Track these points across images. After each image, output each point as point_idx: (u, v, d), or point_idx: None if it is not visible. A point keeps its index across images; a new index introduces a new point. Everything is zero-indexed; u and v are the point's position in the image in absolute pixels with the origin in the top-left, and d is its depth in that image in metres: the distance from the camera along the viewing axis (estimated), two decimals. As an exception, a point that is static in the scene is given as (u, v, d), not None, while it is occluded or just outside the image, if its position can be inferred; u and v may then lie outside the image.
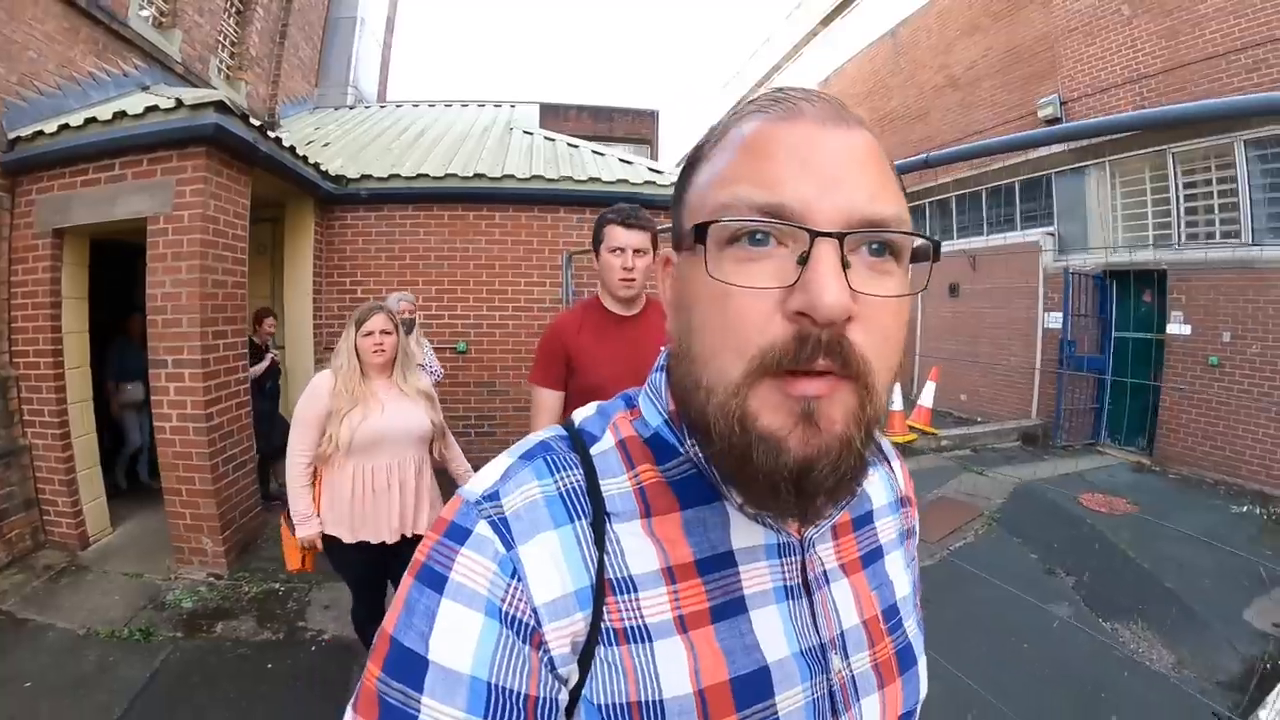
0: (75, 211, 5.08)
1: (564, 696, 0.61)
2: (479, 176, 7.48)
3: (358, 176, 7.37)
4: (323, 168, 6.97)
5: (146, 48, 6.90)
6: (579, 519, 0.64)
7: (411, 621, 0.58)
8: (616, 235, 2.73)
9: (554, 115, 21.87)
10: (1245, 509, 7.29)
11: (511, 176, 7.54)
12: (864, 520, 0.82)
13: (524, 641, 0.58)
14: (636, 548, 0.65)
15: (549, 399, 2.79)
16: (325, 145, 8.77)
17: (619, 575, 0.64)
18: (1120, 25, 10.01)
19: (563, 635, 0.60)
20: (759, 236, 0.57)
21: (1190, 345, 8.91)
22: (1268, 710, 3.55)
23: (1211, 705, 3.69)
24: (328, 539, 3.22)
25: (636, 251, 2.72)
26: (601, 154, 8.99)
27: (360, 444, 3.14)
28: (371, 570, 3.31)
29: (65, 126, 5.02)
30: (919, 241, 0.61)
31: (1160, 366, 9.36)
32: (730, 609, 0.66)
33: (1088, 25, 10.57)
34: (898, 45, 15.39)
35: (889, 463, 0.92)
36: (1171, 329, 9.17)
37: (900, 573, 0.84)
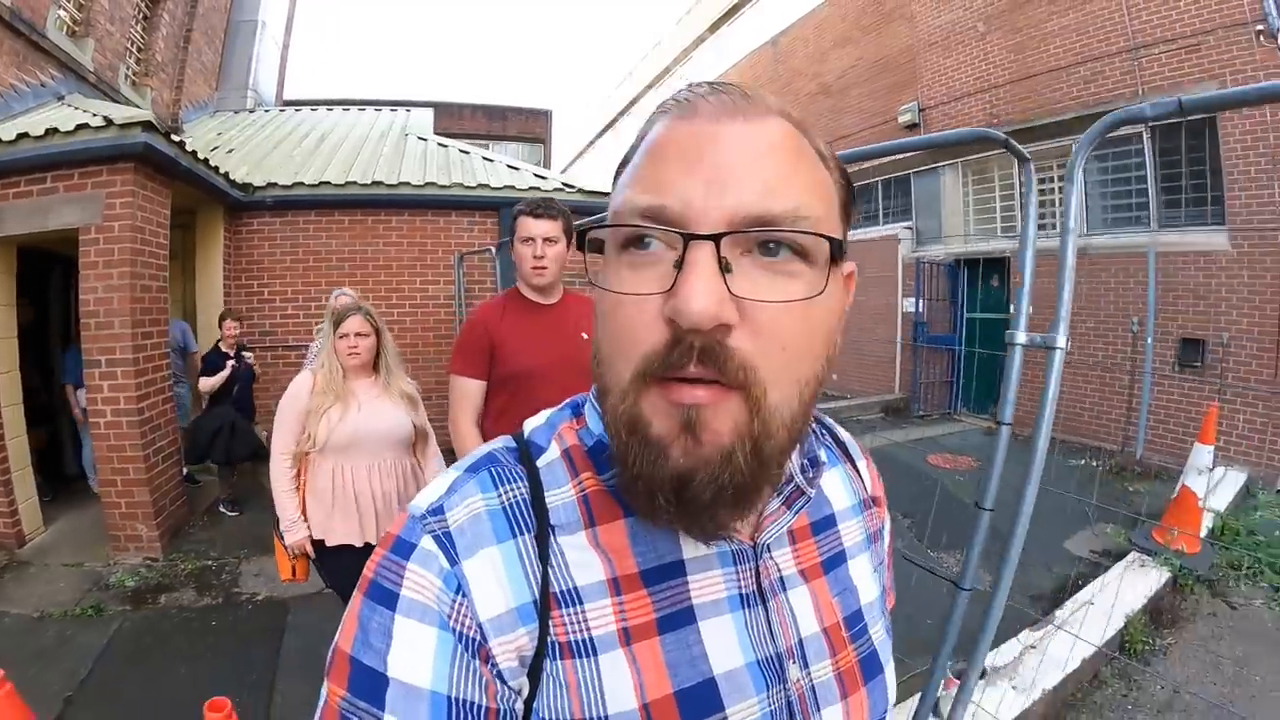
0: (8, 223, 5.39)
1: (520, 707, 0.60)
2: (377, 184, 8.02)
3: (264, 184, 7.78)
4: (231, 176, 7.34)
5: (62, 58, 7.17)
6: (521, 533, 0.63)
7: (368, 640, 0.58)
8: (527, 225, 2.82)
9: (449, 114, 22.14)
10: (1081, 462, 8.27)
11: (407, 183, 8.11)
12: (825, 524, 0.80)
13: (474, 656, 0.58)
14: (582, 560, 0.64)
15: (471, 388, 2.85)
16: (230, 152, 9.10)
17: (564, 588, 0.63)
18: (975, 41, 11.11)
19: (508, 650, 0.59)
20: (645, 241, 0.56)
21: (1032, 323, 9.84)
22: (1064, 610, 4.31)
23: (1021, 609, 4.23)
24: (317, 547, 3.23)
25: (547, 240, 2.80)
26: (490, 160, 9.62)
27: (336, 443, 3.15)
28: (356, 573, 3.41)
29: (-1, 140, 5.32)
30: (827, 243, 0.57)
31: (999, 335, 10.38)
32: (677, 620, 0.65)
33: (946, 40, 11.65)
34: (778, 53, 16.31)
35: (853, 463, 0.90)
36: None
37: (866, 577, 0.82)
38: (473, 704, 0.57)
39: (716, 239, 0.53)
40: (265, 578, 5.09)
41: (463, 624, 0.58)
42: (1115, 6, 9.21)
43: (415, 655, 0.57)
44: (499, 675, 0.59)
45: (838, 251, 0.58)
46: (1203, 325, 8.44)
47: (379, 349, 3.33)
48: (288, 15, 16.25)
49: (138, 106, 8.39)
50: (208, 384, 6.32)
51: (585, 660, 0.61)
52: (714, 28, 19.80)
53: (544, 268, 2.81)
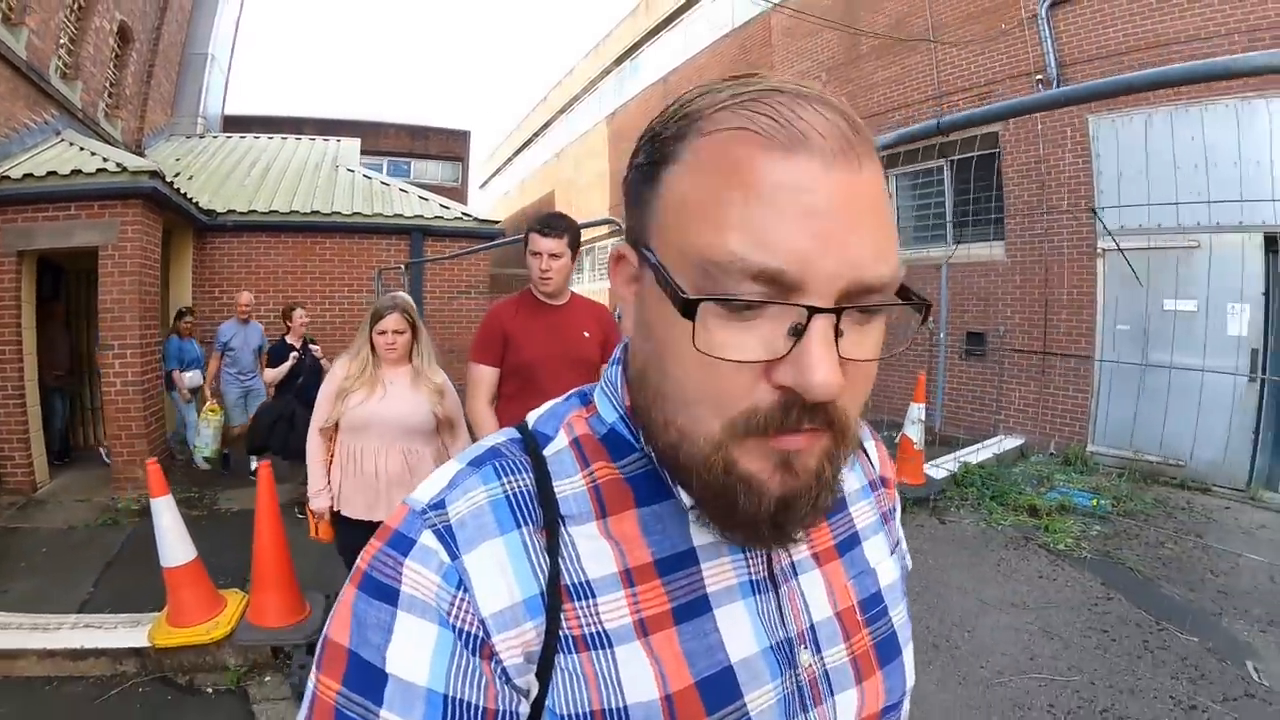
0: (39, 239, 7.15)
1: (524, 709, 0.59)
2: (316, 212, 10.13)
3: (225, 210, 9.67)
4: (200, 204, 9.19)
5: (59, 99, 8.68)
6: (526, 525, 0.62)
7: (365, 635, 0.56)
8: (535, 242, 3.14)
9: (375, 133, 23.55)
10: (888, 434, 10.18)
11: (339, 212, 10.22)
12: (837, 507, 0.79)
13: (474, 654, 0.56)
14: (592, 550, 0.63)
15: (486, 374, 3.22)
16: (190, 178, 10.87)
17: (575, 580, 0.61)
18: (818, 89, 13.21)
19: (514, 646, 0.58)
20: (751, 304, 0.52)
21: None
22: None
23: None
24: (335, 514, 3.46)
25: (552, 255, 3.13)
26: (405, 191, 11.73)
27: (350, 423, 3.37)
28: (363, 545, 3.99)
29: (29, 175, 6.99)
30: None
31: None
32: (693, 609, 0.64)
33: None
34: (668, 90, 18.22)
35: (861, 444, 0.89)
36: None
37: (883, 559, 0.81)
38: (470, 704, 0.55)
39: (838, 311, 0.51)
40: (237, 500, 6.97)
41: (464, 620, 0.56)
42: (927, 62, 11.32)
43: (414, 652, 0.55)
44: (503, 673, 0.57)
45: (927, 315, 0.59)
46: (984, 321, 10.30)
47: (414, 342, 3.52)
48: (231, 46, 17.46)
49: (115, 137, 10.22)
50: (271, 374, 6.80)
51: (602, 652, 0.60)
52: (618, 61, 21.63)
53: (549, 278, 3.15)
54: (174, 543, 4.02)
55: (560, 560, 0.61)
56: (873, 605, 0.77)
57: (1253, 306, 7.69)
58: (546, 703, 0.59)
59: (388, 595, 0.57)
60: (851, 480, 0.84)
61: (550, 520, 0.63)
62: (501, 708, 0.57)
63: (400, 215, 10.55)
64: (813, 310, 0.50)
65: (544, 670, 0.59)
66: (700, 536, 0.66)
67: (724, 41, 16.38)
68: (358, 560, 0.62)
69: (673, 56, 18.60)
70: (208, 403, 7.75)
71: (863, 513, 0.82)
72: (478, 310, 10.84)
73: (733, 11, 16.10)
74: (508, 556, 0.60)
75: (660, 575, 0.64)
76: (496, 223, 11.68)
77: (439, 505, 0.61)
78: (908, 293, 0.57)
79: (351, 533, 3.40)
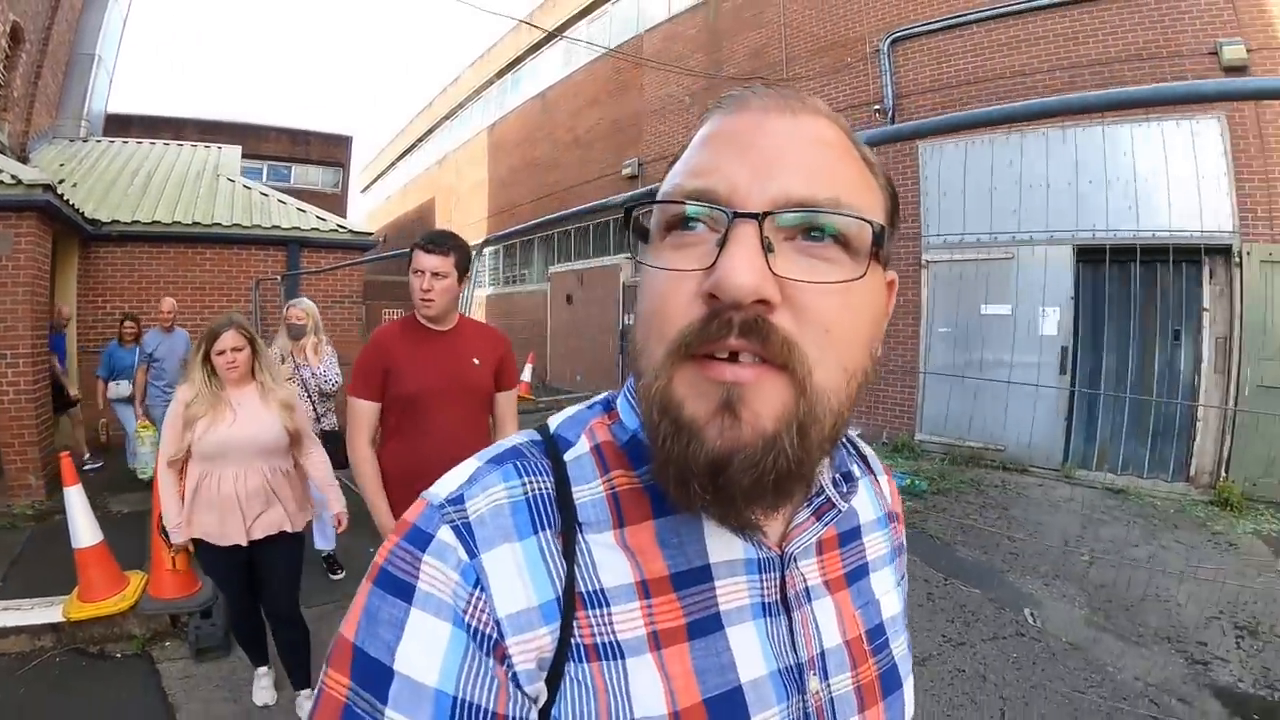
0: (-69, 249, 7.35)
1: (534, 717, 0.58)
2: (196, 223, 10.44)
3: (109, 220, 9.91)
4: (86, 214, 9.44)
5: None
6: (545, 528, 0.61)
7: (376, 630, 0.55)
8: (418, 259, 2.89)
9: (256, 136, 23.54)
10: None
11: (219, 224, 10.57)
12: (851, 536, 0.79)
13: (488, 655, 0.55)
14: (609, 560, 0.62)
15: (365, 409, 2.94)
16: (74, 186, 10.99)
17: (590, 588, 0.61)
18: (682, 110, 14.39)
19: (527, 650, 0.56)
20: (690, 223, 0.57)
21: None
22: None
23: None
24: (195, 542, 3.35)
25: (435, 274, 2.86)
26: (284, 202, 12.08)
27: (205, 452, 3.23)
28: (232, 571, 3.39)
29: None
30: (869, 230, 0.57)
31: None
32: (706, 626, 0.63)
33: (662, 109, 14.92)
34: (545, 105, 19.16)
35: (875, 477, 0.90)
36: None
37: (889, 591, 0.82)
38: (480, 707, 0.54)
39: (760, 218, 0.53)
40: (128, 504, 7.31)
41: (479, 620, 0.55)
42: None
43: (425, 651, 0.54)
44: (514, 678, 0.56)
45: (880, 239, 0.58)
46: None
47: (255, 358, 3.40)
48: (118, 45, 16.95)
49: (1, 141, 10.25)
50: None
51: (613, 663, 0.59)
52: (501, 73, 22.27)
53: (431, 300, 2.89)
54: (84, 527, 4.59)
55: (576, 567, 0.60)
56: (877, 636, 0.77)
57: (1062, 309, 8.95)
58: (554, 712, 0.58)
59: (403, 591, 0.56)
60: (869, 509, 0.84)
61: (568, 526, 0.62)
62: (511, 713, 0.56)
63: (278, 226, 10.96)
64: (733, 215, 0.53)
65: (554, 678, 0.58)
66: (717, 553, 0.65)
67: (599, 63, 17.26)
68: (376, 555, 0.61)
69: (552, 73, 19.40)
70: (138, 420, 7.87)
71: (876, 544, 0.83)
72: (350, 321, 11.31)
73: (609, 34, 17.01)
74: (525, 559, 0.59)
75: (675, 589, 0.63)
76: (370, 234, 12.15)
77: (458, 500, 0.60)
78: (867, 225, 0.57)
79: (213, 552, 3.35)
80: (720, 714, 0.60)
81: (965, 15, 9.95)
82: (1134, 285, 8.63)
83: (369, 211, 36.17)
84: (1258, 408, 7.90)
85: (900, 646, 0.80)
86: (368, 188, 36.54)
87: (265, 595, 3.49)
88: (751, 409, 0.53)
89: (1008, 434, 9.31)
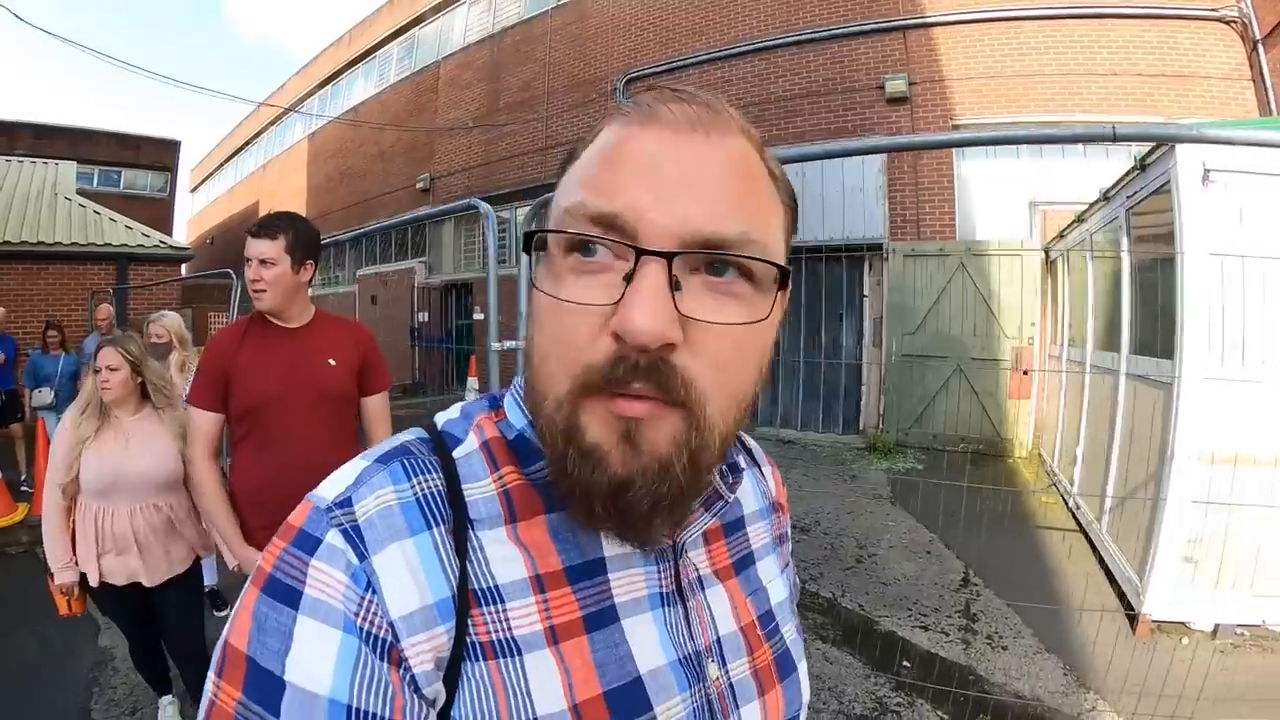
0: None
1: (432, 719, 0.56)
2: (40, 242, 12.09)
3: (-39, 241, 11.44)
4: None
5: None
6: (437, 525, 0.60)
7: (265, 640, 0.53)
8: (246, 245, 2.57)
9: (88, 141, 24.20)
10: None
11: (60, 242, 12.27)
12: (735, 526, 0.81)
13: (382, 659, 0.53)
14: (502, 555, 0.61)
15: (205, 421, 2.61)
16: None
17: (483, 585, 0.60)
18: (465, 134, 16.63)
19: (424, 651, 0.55)
20: (591, 247, 0.55)
21: (484, 325, 13.77)
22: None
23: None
24: (86, 583, 3.02)
25: (263, 261, 2.53)
26: (115, 220, 13.81)
27: (94, 486, 2.94)
28: (132, 609, 3.13)
29: None
30: (775, 269, 0.58)
31: (472, 338, 16.04)
32: (603, 618, 0.63)
33: (450, 130, 17.06)
34: (358, 118, 20.58)
35: (759, 468, 0.92)
36: (476, 316, 15.86)
37: (775, 578, 0.83)
38: (375, 715, 0.52)
39: (669, 257, 0.53)
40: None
41: (372, 623, 0.53)
42: (539, 118, 14.84)
43: (315, 659, 0.52)
44: (411, 681, 0.54)
45: (783, 279, 0.59)
46: None
47: (139, 380, 3.10)
48: None
49: None
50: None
51: (510, 660, 0.58)
52: (322, 85, 23.40)
53: (261, 290, 2.55)
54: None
55: (469, 564, 0.59)
56: (768, 621, 0.78)
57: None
58: (453, 713, 0.56)
59: (290, 598, 0.54)
60: (752, 501, 0.86)
61: (460, 523, 0.61)
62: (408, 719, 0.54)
63: (109, 244, 12.65)
64: (640, 252, 0.53)
65: (451, 678, 0.56)
66: (610, 547, 0.65)
67: (403, 84, 19.20)
68: (260, 560, 0.58)
69: (364, 89, 21.09)
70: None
71: (759, 533, 0.84)
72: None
73: (413, 58, 18.99)
74: (418, 557, 0.57)
75: (570, 583, 0.63)
76: (187, 249, 13.96)
77: (346, 503, 0.58)
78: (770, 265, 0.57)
79: (111, 592, 3.04)
80: (621, 705, 0.60)
81: (684, 60, 12.56)
82: (821, 280, 10.48)
83: (199, 211, 35.95)
84: (901, 373, 10.11)
85: (790, 631, 0.82)
86: (197, 187, 36.37)
87: (169, 638, 3.25)
88: (650, 439, 0.54)
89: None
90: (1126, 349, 5.47)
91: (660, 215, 0.53)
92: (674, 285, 0.53)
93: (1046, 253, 9.26)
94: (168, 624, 3.20)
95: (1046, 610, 4.42)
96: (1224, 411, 4.11)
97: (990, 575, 5.15)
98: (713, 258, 0.55)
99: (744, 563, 0.80)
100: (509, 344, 3.38)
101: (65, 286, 12.27)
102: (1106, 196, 6.04)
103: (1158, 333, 4.72)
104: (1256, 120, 7.89)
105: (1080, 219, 7.28)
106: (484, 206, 4.04)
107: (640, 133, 0.57)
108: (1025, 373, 9.36)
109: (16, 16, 7.60)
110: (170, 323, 5.14)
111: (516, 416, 0.69)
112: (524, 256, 0.76)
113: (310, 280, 2.71)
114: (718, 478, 0.68)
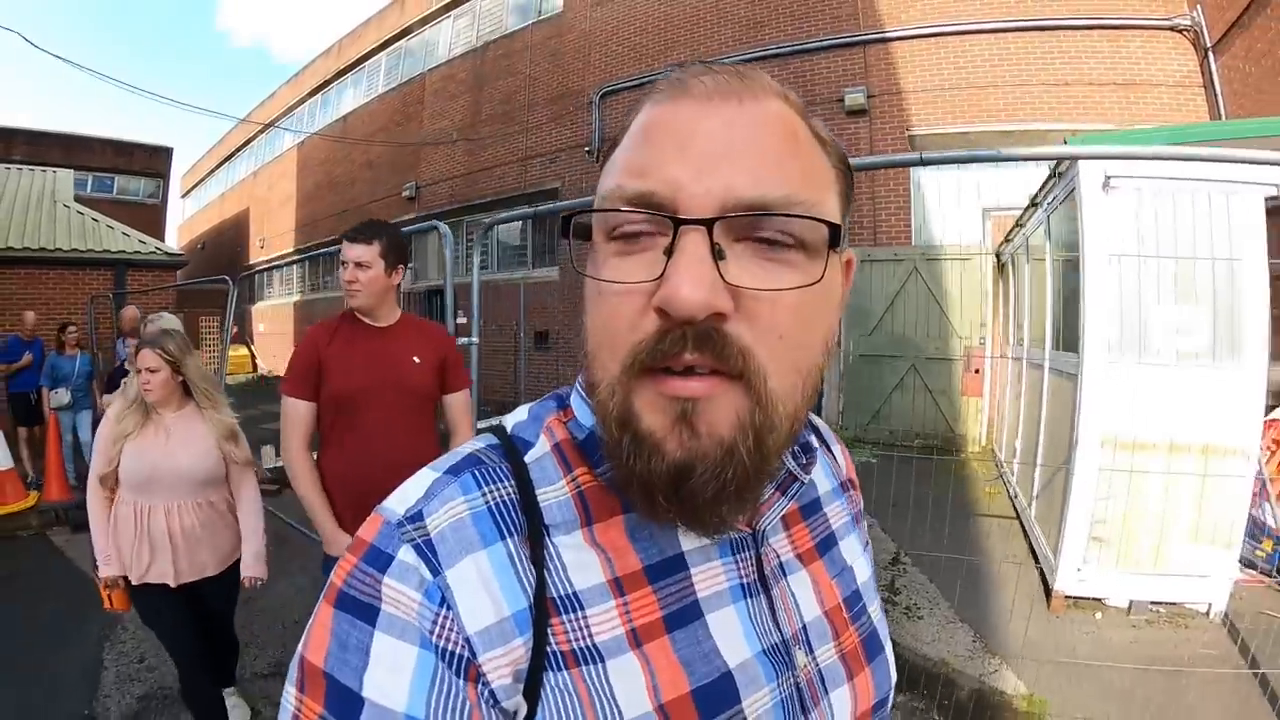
0: None
1: None
2: (42, 248, 12.50)
3: (-37, 246, 11.77)
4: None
5: None
6: (511, 535, 0.59)
7: (345, 656, 0.53)
8: (343, 250, 2.76)
9: (82, 148, 24.47)
10: (487, 410, 13.67)
11: (60, 248, 12.71)
12: (812, 508, 0.79)
13: (459, 676, 0.53)
14: (579, 560, 0.60)
15: (299, 409, 2.75)
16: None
17: (562, 593, 0.59)
18: (449, 145, 17.01)
19: (502, 665, 0.55)
20: (634, 230, 0.54)
21: (465, 327, 15.26)
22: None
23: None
24: (127, 582, 3.02)
25: (359, 265, 2.72)
26: (112, 227, 14.25)
27: (132, 480, 2.96)
28: (176, 614, 3.07)
29: None
30: (824, 229, 0.54)
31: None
32: (685, 615, 0.62)
33: (435, 141, 17.42)
34: (346, 128, 20.94)
35: (829, 447, 0.89)
36: (460, 320, 15.89)
37: (858, 557, 0.81)
38: None
39: (709, 224, 0.51)
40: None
41: (448, 639, 0.53)
42: (520, 129, 15.23)
43: (392, 676, 0.52)
44: (490, 696, 0.54)
45: (836, 238, 0.55)
46: (546, 323, 13.97)
47: (181, 379, 3.08)
48: None
49: None
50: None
51: (594, 667, 0.57)
52: (314, 92, 23.61)
53: (356, 290, 2.75)
54: (1, 456, 7.12)
55: (546, 572, 0.58)
56: (855, 602, 0.77)
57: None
58: None
59: (367, 615, 0.54)
60: (824, 482, 0.83)
61: (535, 530, 0.60)
62: None
63: (107, 250, 13.04)
64: (679, 222, 0.51)
65: (532, 689, 0.55)
66: (690, 541, 0.64)
67: (391, 94, 19.53)
68: (332, 575, 0.58)
69: (354, 99, 21.37)
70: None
71: (837, 513, 0.82)
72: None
73: (400, 69, 19.36)
74: (492, 570, 0.57)
75: (650, 582, 0.62)
76: (181, 254, 14.28)
77: (416, 517, 0.58)
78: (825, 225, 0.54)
79: (150, 599, 3.05)
80: (709, 702, 0.59)
81: (655, 74, 12.10)
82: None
83: (190, 216, 36.01)
84: (857, 372, 10.55)
85: (876, 611, 0.80)
86: (189, 192, 36.44)
87: (207, 624, 3.28)
88: (708, 420, 0.52)
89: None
90: (1049, 345, 5.83)
91: (697, 185, 0.52)
92: (717, 253, 0.51)
93: (998, 256, 9.58)
94: (206, 612, 3.23)
95: (966, 586, 4.59)
96: (1122, 400, 4.40)
97: (920, 556, 5.44)
98: (755, 219, 0.53)
99: (827, 543, 0.78)
100: (462, 340, 3.90)
101: (65, 291, 12.67)
102: (1035, 203, 6.43)
103: (1071, 329, 5.02)
104: (1151, 129, 7.99)
105: (1019, 224, 7.64)
106: (443, 227, 4.91)
107: (673, 108, 0.56)
108: (976, 371, 9.79)
109: (29, 42, 8.00)
110: (168, 324, 5.11)
111: (585, 415, 0.67)
112: (564, 245, 0.78)
113: (399, 283, 2.92)
114: (789, 458, 0.67)
